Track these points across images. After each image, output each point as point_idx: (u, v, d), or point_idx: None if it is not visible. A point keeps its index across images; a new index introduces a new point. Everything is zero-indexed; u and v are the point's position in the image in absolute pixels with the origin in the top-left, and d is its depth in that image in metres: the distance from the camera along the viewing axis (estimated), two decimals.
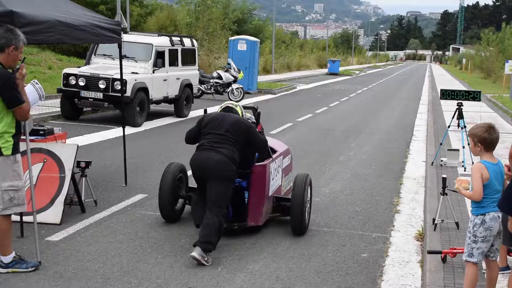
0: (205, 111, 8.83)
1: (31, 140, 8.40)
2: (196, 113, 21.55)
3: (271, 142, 9.18)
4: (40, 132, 9.13)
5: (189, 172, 8.06)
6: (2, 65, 6.21)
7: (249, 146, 7.66)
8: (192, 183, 8.13)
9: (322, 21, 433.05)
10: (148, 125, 17.89)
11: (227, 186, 7.26)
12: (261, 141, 7.80)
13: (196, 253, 6.80)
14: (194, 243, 6.94)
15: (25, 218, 7.38)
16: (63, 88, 17.46)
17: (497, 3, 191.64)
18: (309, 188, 8.24)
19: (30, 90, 7.08)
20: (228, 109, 7.99)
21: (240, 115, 7.95)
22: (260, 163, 8.05)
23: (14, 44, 6.20)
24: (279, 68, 57.59)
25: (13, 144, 6.25)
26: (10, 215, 6.41)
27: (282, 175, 8.92)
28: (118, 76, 15.99)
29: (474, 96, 13.05)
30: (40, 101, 7.41)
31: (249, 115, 8.71)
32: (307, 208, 8.18)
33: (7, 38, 6.18)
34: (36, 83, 7.33)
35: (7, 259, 6.41)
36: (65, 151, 8.38)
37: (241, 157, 7.48)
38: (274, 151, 8.68)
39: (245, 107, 8.73)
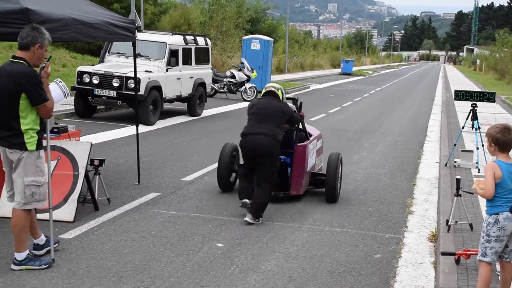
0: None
1: (44, 138, 8.42)
2: (209, 112, 21.58)
3: (308, 128, 10.57)
4: (54, 130, 9.15)
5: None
6: (27, 63, 6.27)
7: (291, 123, 9.33)
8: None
9: (336, 21, 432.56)
10: (161, 123, 17.92)
11: (275, 164, 8.69)
12: (298, 119, 9.58)
13: (248, 218, 8.38)
14: (245, 206, 8.45)
15: (38, 216, 7.39)
16: (77, 86, 17.51)
17: (511, 4, 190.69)
18: (340, 164, 10.05)
19: (54, 88, 7.14)
20: (270, 93, 9.14)
21: (280, 97, 9.11)
22: (301, 143, 9.73)
23: (39, 42, 6.28)
24: (292, 67, 57.59)
25: (37, 140, 6.33)
26: (30, 210, 6.47)
27: (316, 155, 10.72)
28: (132, 75, 16.04)
29: (488, 97, 12.97)
30: (65, 99, 7.46)
31: (290, 104, 9.85)
32: (338, 180, 9.90)
33: (33, 36, 6.26)
34: (60, 82, 7.39)
35: (21, 256, 6.43)
36: (79, 149, 8.40)
37: (283, 138, 8.88)
38: (310, 135, 10.34)
39: (287, 98, 9.89)
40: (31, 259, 6.47)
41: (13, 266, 6.43)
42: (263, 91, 9.23)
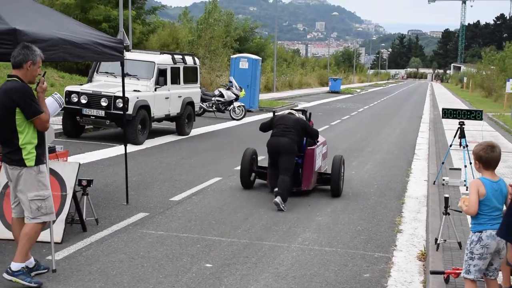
0: (274, 113, 12.51)
1: None
2: (198, 131, 21.57)
3: None
4: None
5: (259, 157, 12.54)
6: (21, 80, 6.44)
7: (306, 135, 11.65)
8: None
9: (324, 39, 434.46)
10: (149, 143, 17.88)
11: (293, 159, 11.16)
12: (315, 132, 11.85)
13: (277, 199, 10.42)
14: (275, 193, 10.60)
15: None
16: (65, 105, 17.47)
17: (498, 22, 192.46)
18: (343, 165, 12.11)
19: (50, 101, 7.23)
20: (290, 113, 11.88)
21: (296, 115, 11.84)
22: (310, 147, 11.85)
23: (31, 59, 6.46)
24: (280, 86, 57.72)
25: (36, 156, 6.46)
26: (42, 223, 6.61)
27: (322, 158, 12.71)
28: (120, 94, 16.03)
29: (476, 115, 13.05)
30: (59, 109, 7.50)
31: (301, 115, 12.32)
32: (341, 178, 11.97)
33: (24, 54, 6.43)
34: (56, 94, 7.45)
35: (17, 266, 6.46)
36: (67, 169, 8.36)
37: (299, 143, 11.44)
38: (317, 141, 12.28)
39: (297, 110, 12.44)
40: (24, 273, 6.49)
41: (5, 275, 6.46)
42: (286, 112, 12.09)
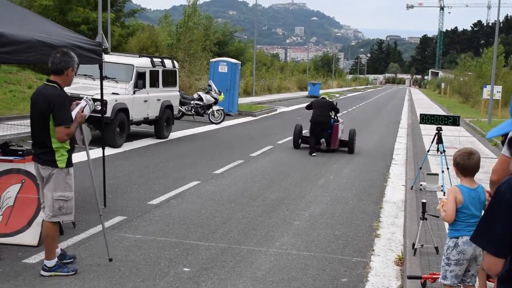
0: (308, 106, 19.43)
1: (9, 161, 8.32)
2: (176, 134, 21.51)
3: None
4: (19, 153, 9.02)
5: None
6: (59, 85, 6.80)
7: (333, 110, 18.77)
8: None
9: (303, 44, 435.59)
10: (128, 146, 17.81)
11: (327, 129, 18.40)
12: (337, 109, 18.99)
13: (323, 142, 18.40)
14: (321, 142, 18.50)
15: (1, 240, 7.26)
16: None
17: (475, 29, 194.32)
18: (355, 135, 19.29)
19: (83, 105, 7.28)
20: (323, 98, 19.39)
21: (327, 98, 19.32)
22: (336, 123, 18.85)
23: (71, 66, 6.85)
24: (259, 90, 57.76)
25: (68, 158, 6.92)
26: (58, 222, 7.01)
27: (341, 131, 19.53)
28: (99, 97, 15.93)
29: (453, 121, 13.14)
30: (92, 108, 7.52)
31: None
32: (354, 143, 19.20)
33: (66, 61, 6.82)
34: (88, 99, 7.43)
35: (51, 263, 6.90)
36: None
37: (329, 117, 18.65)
38: (339, 121, 19.17)
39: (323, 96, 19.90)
40: (59, 266, 6.95)
41: (42, 272, 6.88)
42: (320, 97, 20.21)
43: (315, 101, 19.09)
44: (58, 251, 7.24)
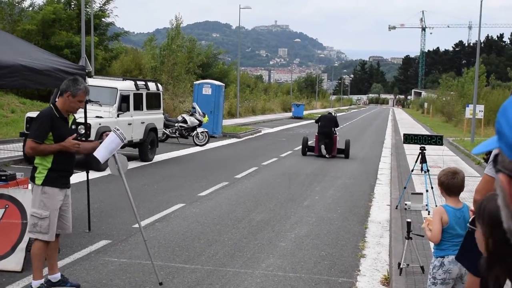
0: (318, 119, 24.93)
1: None
2: (161, 157, 21.47)
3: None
4: (2, 178, 8.98)
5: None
6: (55, 107, 6.98)
7: (335, 125, 23.96)
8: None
9: (286, 65, 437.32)
10: None
11: (331, 138, 23.75)
12: (338, 124, 24.22)
13: (326, 153, 23.79)
14: (324, 151, 23.88)
15: None
16: (26, 132, 17.26)
17: (456, 49, 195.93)
18: (349, 144, 24.53)
19: (113, 137, 7.37)
20: (329, 113, 24.82)
21: (333, 115, 24.58)
22: (335, 135, 23.98)
23: (70, 91, 6.95)
24: (244, 112, 57.87)
25: (46, 177, 6.95)
26: (45, 242, 7.01)
27: (337, 142, 24.29)
28: (82, 120, 15.89)
29: (436, 140, 13.23)
30: (121, 144, 7.62)
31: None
32: (348, 151, 24.26)
33: (67, 85, 7.02)
34: (117, 129, 7.43)
35: (35, 284, 6.94)
36: (28, 196, 8.23)
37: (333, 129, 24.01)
38: (336, 133, 24.20)
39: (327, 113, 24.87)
40: None
41: None
42: (325, 113, 25.34)
43: (322, 116, 24.78)
44: (57, 276, 7.26)
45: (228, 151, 25.48)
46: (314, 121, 26.98)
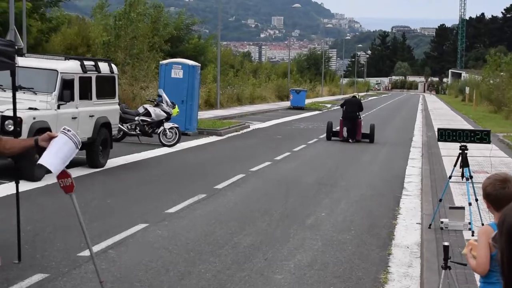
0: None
1: None
2: (116, 161, 21.39)
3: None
4: None
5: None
6: None
7: (360, 108, 32.21)
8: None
9: (282, 38, 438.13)
10: (50, 178, 17.62)
11: (356, 123, 32.01)
12: (362, 107, 32.88)
13: (351, 139, 31.76)
14: (349, 137, 31.83)
15: None
16: None
17: (507, 15, 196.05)
18: (374, 128, 32.02)
19: (64, 139, 7.24)
20: (353, 96, 34.49)
21: (357, 97, 35.03)
22: (359, 119, 32.20)
23: None
24: (226, 101, 57.84)
25: None
26: None
27: (362, 127, 32.48)
28: (11, 113, 15.79)
29: (482, 136, 13.19)
30: (77, 150, 7.49)
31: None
32: (374, 135, 31.87)
33: None
34: (68, 131, 7.34)
35: None
36: None
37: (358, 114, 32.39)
38: (361, 117, 32.63)
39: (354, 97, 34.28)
40: None
41: None
42: (350, 96, 36.10)
43: (347, 100, 33.26)
44: None
45: (205, 153, 25.44)
46: (340, 105, 35.29)
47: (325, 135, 32.83)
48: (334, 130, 32.25)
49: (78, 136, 18.82)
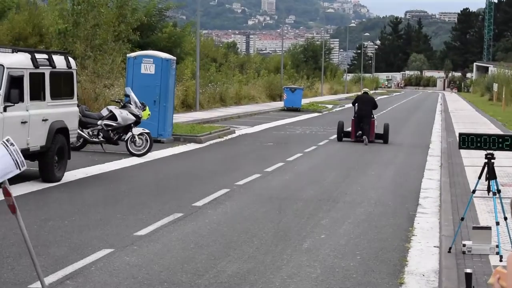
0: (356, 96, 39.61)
1: None
2: (74, 174, 21.36)
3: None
4: None
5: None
6: None
7: (374, 106, 36.35)
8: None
9: (274, 26, 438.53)
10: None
11: (369, 121, 35.91)
12: (377, 105, 37.19)
13: (365, 139, 34.53)
14: (362, 137, 34.65)
15: None
16: None
17: None
18: (388, 128, 36.05)
19: (2, 153, 7.17)
20: (365, 93, 38.07)
21: (369, 93, 39.09)
22: (373, 119, 36.13)
23: None
24: (207, 101, 57.83)
25: None
26: None
27: (375, 127, 36.60)
28: None
29: (511, 143, 13.24)
30: (18, 171, 7.43)
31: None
32: (388, 135, 35.92)
33: None
34: (11, 144, 7.29)
35: None
36: None
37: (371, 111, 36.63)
38: (374, 117, 36.56)
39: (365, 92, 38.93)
40: None
41: None
42: (361, 93, 39.55)
43: (359, 97, 36.92)
44: None
45: (182, 164, 25.46)
46: (351, 103, 38.03)
47: (325, 141, 33.35)
48: (345, 130, 36.41)
49: (30, 144, 18.81)
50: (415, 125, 51.58)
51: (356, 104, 35.77)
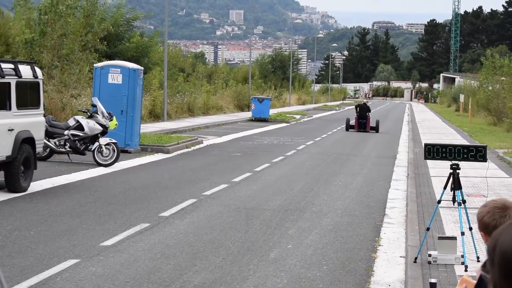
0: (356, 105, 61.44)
1: None
2: (41, 184, 21.27)
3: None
4: None
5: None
6: None
7: (369, 110, 57.95)
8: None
9: (242, 36, 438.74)
10: None
11: (366, 118, 57.92)
12: (370, 110, 58.99)
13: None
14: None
15: None
16: None
17: (509, 9, 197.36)
18: (379, 122, 57.47)
19: None
20: (364, 103, 60.62)
21: (366, 104, 61.29)
22: (368, 116, 57.75)
23: None
24: (175, 111, 57.78)
25: None
26: None
27: (370, 121, 58.02)
28: None
29: (476, 154, 13.30)
30: None
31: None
32: (378, 127, 56.59)
33: None
34: None
35: None
36: None
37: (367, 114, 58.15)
38: (369, 115, 58.50)
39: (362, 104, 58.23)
40: None
41: None
42: (362, 102, 63.54)
43: (360, 105, 57.05)
44: None
45: (149, 175, 25.40)
46: (354, 107, 59.35)
47: (292, 151, 33.90)
48: (350, 124, 56.07)
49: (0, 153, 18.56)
50: (382, 135, 51.74)
51: (358, 108, 56.48)
